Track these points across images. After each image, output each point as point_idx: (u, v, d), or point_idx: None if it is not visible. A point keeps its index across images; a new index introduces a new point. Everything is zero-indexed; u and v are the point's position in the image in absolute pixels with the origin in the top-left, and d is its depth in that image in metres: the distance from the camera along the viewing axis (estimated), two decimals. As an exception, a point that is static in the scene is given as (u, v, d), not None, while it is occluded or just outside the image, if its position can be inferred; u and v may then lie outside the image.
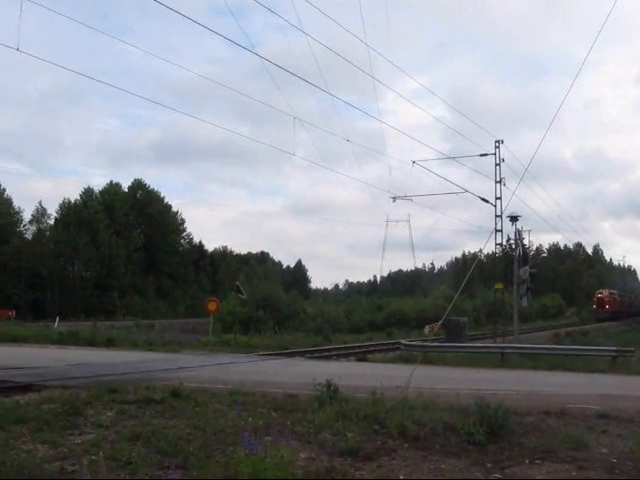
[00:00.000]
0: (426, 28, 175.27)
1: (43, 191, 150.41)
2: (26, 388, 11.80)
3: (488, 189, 49.61)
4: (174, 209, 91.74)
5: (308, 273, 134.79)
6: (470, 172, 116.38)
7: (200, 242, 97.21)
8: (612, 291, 79.39)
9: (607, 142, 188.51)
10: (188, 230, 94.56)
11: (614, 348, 19.96)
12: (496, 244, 33.59)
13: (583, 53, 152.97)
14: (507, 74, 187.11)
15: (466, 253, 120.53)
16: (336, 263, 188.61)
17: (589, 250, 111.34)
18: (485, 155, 33.00)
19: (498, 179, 32.34)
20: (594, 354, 19.87)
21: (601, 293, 77.23)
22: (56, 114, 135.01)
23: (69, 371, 14.71)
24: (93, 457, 6.31)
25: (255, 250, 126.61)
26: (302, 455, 6.73)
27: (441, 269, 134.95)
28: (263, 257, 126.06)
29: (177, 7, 18.99)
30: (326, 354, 24.03)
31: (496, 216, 32.00)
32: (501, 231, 32.75)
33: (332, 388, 9.55)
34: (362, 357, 21.56)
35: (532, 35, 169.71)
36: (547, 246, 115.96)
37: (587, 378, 15.48)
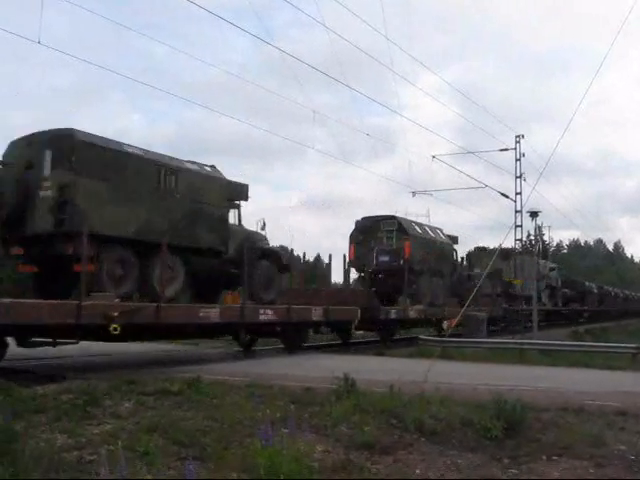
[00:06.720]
0: (435, 30, 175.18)
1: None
2: (46, 378, 11.90)
3: (504, 184, 49.08)
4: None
5: (327, 267, 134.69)
6: (484, 168, 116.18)
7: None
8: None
9: (620, 139, 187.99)
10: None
11: (634, 345, 19.69)
12: (516, 240, 33.26)
13: (593, 50, 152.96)
14: (519, 73, 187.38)
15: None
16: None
17: (610, 247, 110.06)
18: (505, 150, 32.76)
19: (518, 174, 32.10)
20: (614, 351, 19.67)
21: None
22: (75, 108, 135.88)
23: (88, 362, 14.85)
24: (111, 447, 6.37)
25: (274, 244, 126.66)
26: (318, 448, 6.74)
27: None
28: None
29: (200, 3, 19.02)
30: (344, 348, 23.98)
31: (516, 211, 31.75)
32: (521, 226, 32.44)
33: (349, 382, 9.55)
34: (380, 351, 21.49)
35: (541, 34, 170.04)
36: (567, 242, 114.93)
37: (606, 375, 15.30)
